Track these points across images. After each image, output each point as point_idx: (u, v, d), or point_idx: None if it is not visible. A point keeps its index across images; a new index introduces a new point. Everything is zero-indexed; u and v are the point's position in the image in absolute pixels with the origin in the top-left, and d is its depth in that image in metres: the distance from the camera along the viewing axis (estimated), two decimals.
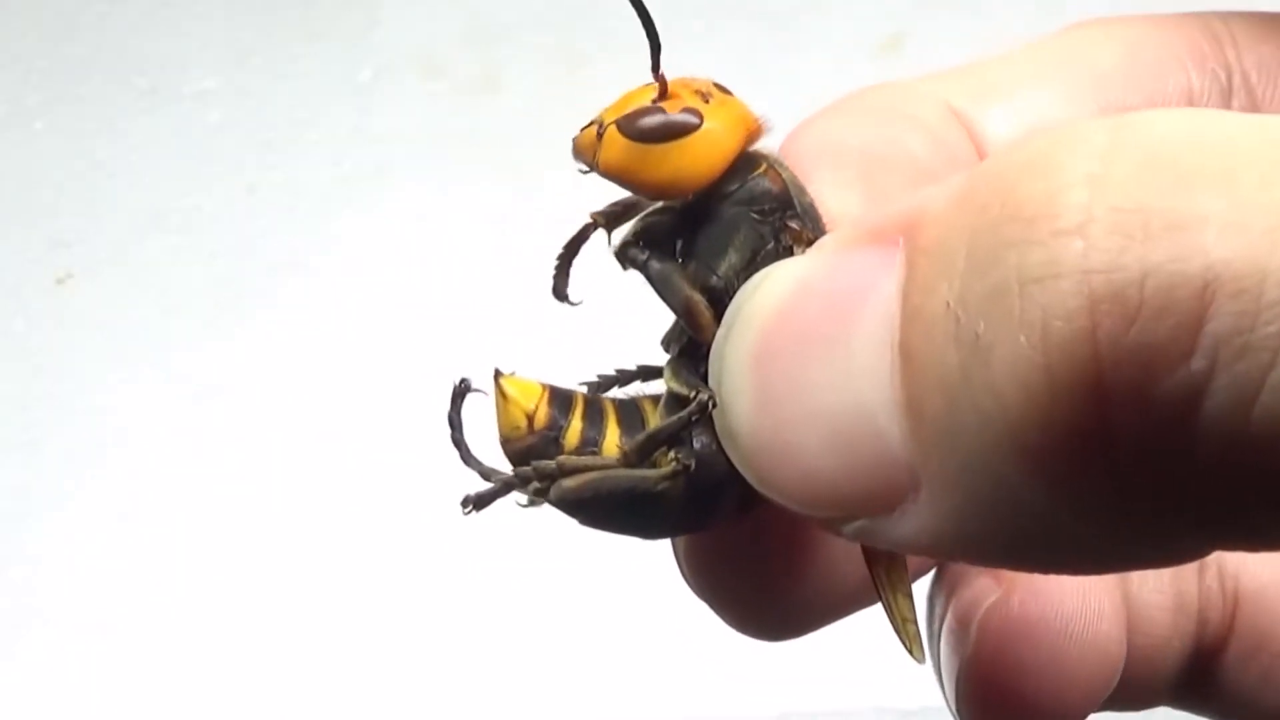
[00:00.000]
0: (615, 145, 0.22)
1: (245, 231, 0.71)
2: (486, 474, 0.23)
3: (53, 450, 0.65)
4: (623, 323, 0.24)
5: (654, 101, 0.22)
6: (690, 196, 0.23)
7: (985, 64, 0.29)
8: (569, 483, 0.23)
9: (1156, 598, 0.29)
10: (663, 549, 0.26)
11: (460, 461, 0.23)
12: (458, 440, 0.23)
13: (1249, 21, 0.29)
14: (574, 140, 0.23)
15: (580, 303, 0.24)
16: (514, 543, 0.57)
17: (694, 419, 0.22)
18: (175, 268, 0.70)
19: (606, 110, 0.22)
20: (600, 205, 0.24)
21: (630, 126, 0.22)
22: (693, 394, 0.22)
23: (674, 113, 0.22)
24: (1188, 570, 0.30)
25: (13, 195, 0.73)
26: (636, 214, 0.24)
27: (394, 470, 0.63)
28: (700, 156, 0.22)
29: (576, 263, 0.24)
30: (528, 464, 0.23)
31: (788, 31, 0.73)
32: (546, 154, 0.71)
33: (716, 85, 0.23)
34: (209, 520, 0.63)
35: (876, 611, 0.25)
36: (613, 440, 0.23)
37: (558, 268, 0.24)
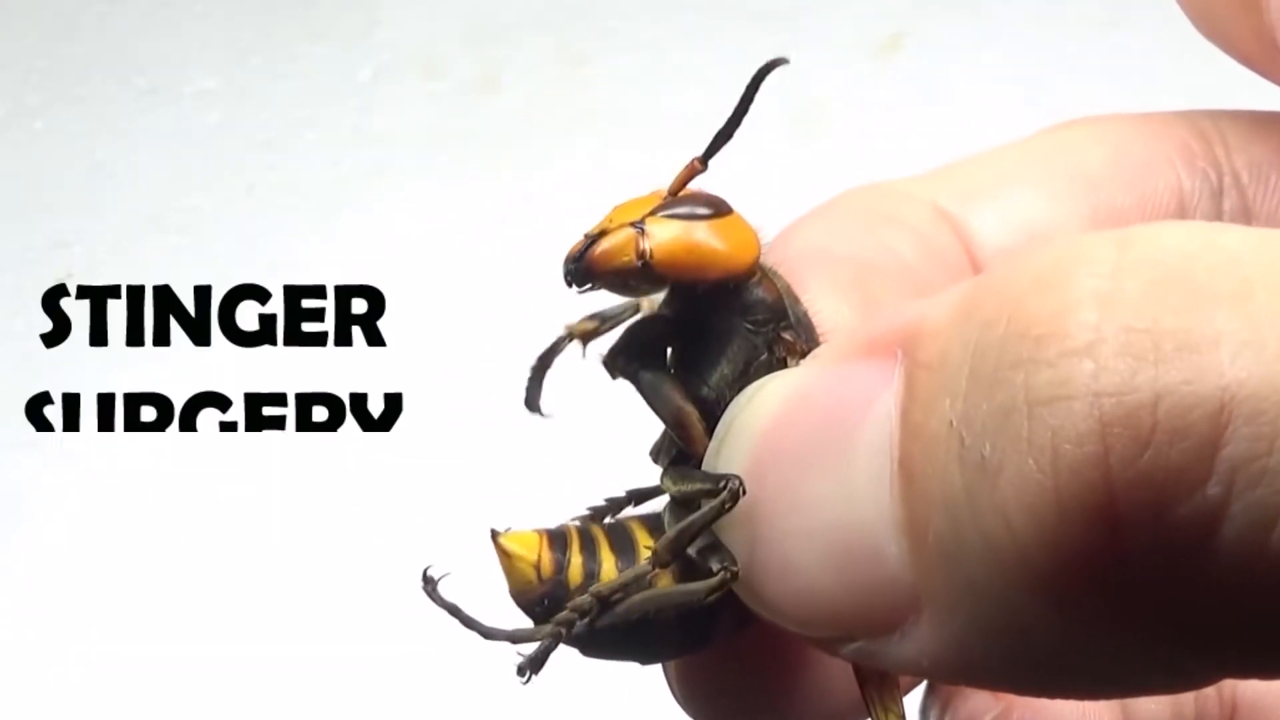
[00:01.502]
0: (669, 230, 0.21)
1: (245, 231, 0.71)
2: (521, 638, 0.22)
3: (52, 450, 0.65)
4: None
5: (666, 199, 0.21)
6: (748, 272, 0.22)
7: (972, 163, 0.28)
8: (620, 609, 0.22)
9: (1154, 708, 0.29)
10: None
11: (485, 640, 0.23)
12: (469, 622, 0.23)
13: (1238, 121, 0.28)
14: (597, 252, 0.21)
15: (552, 416, 0.23)
16: None
17: (727, 508, 0.20)
18: (175, 268, 0.70)
19: (610, 220, 0.21)
20: (574, 319, 0.23)
21: (682, 208, 0.21)
22: (721, 484, 0.20)
23: (706, 194, 0.21)
24: None
25: (13, 195, 0.73)
26: (611, 328, 0.23)
27: (394, 470, 0.62)
28: (743, 232, 0.21)
29: (551, 375, 0.23)
30: (541, 610, 0.22)
31: (788, 31, 0.73)
32: (546, 154, 0.72)
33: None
34: (209, 520, 0.63)
35: None
36: (610, 566, 0.22)
37: (530, 380, 0.23)
